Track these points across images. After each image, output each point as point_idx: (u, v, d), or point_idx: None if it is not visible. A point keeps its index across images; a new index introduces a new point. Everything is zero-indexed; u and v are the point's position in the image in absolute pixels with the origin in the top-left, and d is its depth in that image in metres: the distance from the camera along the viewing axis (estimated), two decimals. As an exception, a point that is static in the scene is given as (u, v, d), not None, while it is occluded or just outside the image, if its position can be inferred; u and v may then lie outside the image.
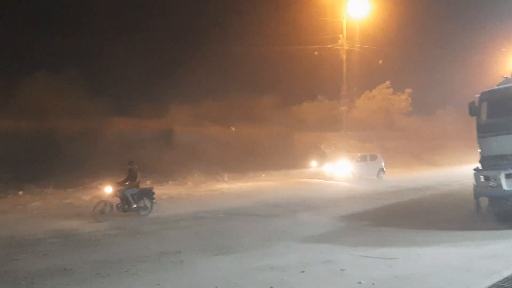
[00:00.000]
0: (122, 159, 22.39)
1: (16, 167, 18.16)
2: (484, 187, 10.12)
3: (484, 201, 10.59)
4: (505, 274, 6.53)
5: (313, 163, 27.07)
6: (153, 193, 13.17)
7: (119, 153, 22.81)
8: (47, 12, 25.35)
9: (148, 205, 12.98)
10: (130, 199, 12.61)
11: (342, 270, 7.07)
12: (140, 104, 27.52)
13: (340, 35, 31.54)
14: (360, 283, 6.40)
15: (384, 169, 25.34)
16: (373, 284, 6.34)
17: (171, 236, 10.42)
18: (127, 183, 12.88)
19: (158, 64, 29.59)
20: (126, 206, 12.59)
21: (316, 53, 31.49)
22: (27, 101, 21.15)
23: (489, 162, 10.18)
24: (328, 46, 31.43)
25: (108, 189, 12.93)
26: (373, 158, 25.54)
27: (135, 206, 12.65)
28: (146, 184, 18.20)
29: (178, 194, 18.71)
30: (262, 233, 10.44)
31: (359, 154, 25.60)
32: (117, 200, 12.70)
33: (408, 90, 39.12)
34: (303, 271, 7.05)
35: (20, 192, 17.51)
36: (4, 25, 22.92)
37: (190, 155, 24.43)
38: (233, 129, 29.68)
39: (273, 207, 14.51)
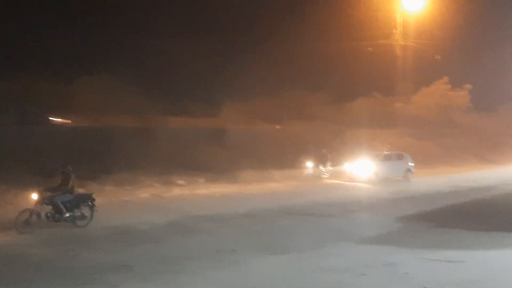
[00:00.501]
0: (177, 157, 23.01)
1: (76, 165, 18.77)
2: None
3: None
4: None
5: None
6: (93, 200, 11.34)
7: (174, 151, 23.30)
8: (106, 13, 26.19)
9: (87, 213, 11.06)
10: (61, 206, 10.67)
11: (405, 273, 6.75)
12: (194, 102, 28.00)
13: (395, 30, 30.63)
14: (425, 287, 6.07)
15: (412, 169, 23.45)
16: (439, 289, 6.01)
17: (225, 234, 10.40)
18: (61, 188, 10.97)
19: (211, 62, 29.88)
20: (57, 215, 10.66)
21: (370, 48, 30.75)
22: (86, 100, 21.95)
23: None
24: (382, 41, 30.63)
25: (34, 196, 10.78)
26: (400, 157, 23.68)
27: (68, 215, 10.72)
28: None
29: (230, 193, 18.78)
30: (319, 233, 10.23)
31: (384, 153, 24.37)
32: (47, 209, 10.77)
33: (468, 86, 37.40)
34: (363, 274, 6.79)
35: (81, 190, 18.08)
36: (65, 27, 23.87)
37: (242, 153, 24.48)
38: (278, 127, 29.53)
39: (328, 206, 14.21)
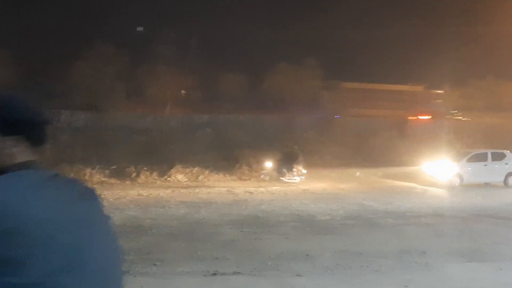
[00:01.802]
0: (354, 147, 22.63)
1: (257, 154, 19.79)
2: None
3: None
4: None
5: None
6: None
7: (352, 141, 22.95)
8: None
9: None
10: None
11: None
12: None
13: None
14: None
15: None
16: None
17: (410, 232, 9.64)
18: None
19: (391, 51, 28.47)
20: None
21: None
22: (268, 92, 22.90)
23: None
24: None
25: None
26: (498, 156, 18.76)
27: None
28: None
29: (413, 187, 17.69)
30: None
31: (473, 151, 19.46)
32: None
33: None
34: None
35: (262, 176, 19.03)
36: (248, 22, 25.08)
37: (423, 144, 22.97)
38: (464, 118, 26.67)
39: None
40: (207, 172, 19.06)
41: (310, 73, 22.77)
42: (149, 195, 14.82)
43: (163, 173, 18.69)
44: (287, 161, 17.64)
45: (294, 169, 17.31)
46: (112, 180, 17.73)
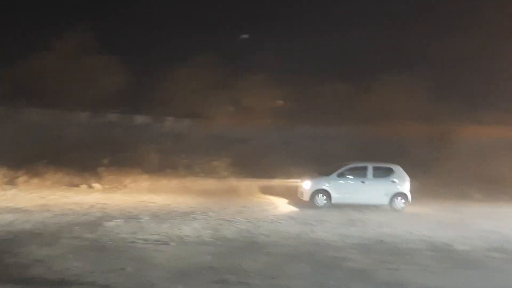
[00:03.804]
0: (470, 168, 20.35)
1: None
2: None
3: None
4: None
5: None
6: None
7: (467, 162, 20.72)
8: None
9: None
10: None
11: None
12: (485, 108, 24.33)
13: None
14: None
15: (406, 193, 14.91)
16: None
17: None
18: None
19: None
20: None
21: None
22: (374, 104, 21.41)
23: None
24: None
25: None
26: (383, 172, 15.07)
27: None
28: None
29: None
30: None
31: (349, 164, 15.30)
32: None
33: None
34: None
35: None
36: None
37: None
38: None
39: None
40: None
41: (419, 84, 20.93)
42: (252, 207, 14.11)
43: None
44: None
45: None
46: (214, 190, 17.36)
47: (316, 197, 14.85)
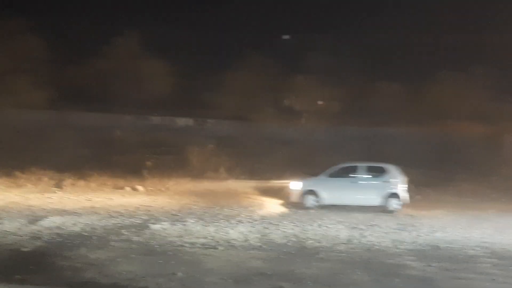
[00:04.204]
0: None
1: (416, 171, 17.77)
2: None
3: None
4: None
5: None
6: None
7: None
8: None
9: None
10: None
11: None
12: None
13: None
14: None
15: (402, 194, 13.86)
16: None
17: None
18: None
19: None
20: None
21: None
22: (427, 103, 20.68)
23: None
24: None
25: None
26: (376, 172, 14.32)
27: None
28: None
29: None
30: None
31: (341, 164, 14.63)
32: None
33: None
34: None
35: (418, 197, 16.90)
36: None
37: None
38: None
39: None
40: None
41: (477, 83, 19.99)
42: (297, 212, 13.76)
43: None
44: None
45: None
46: (256, 193, 17.09)
47: (306, 198, 14.19)
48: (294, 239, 9.59)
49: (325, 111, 20.88)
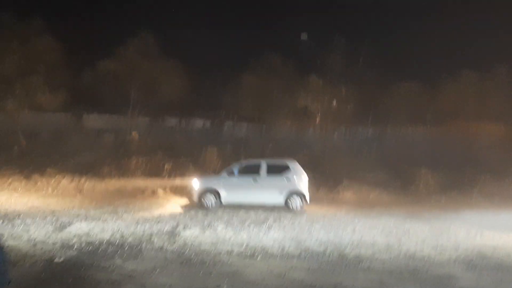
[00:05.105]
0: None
1: (436, 172, 17.44)
2: None
3: None
4: None
5: None
6: None
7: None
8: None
9: None
10: None
11: None
12: None
13: None
14: None
15: (304, 192, 13.76)
16: None
17: None
18: None
19: None
20: None
21: None
22: (447, 104, 20.28)
23: None
24: None
25: None
26: (277, 169, 13.91)
27: None
28: None
29: None
30: None
31: (243, 162, 14.80)
32: None
33: None
34: None
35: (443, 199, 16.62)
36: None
37: None
38: None
39: None
40: (377, 191, 17.18)
41: (498, 83, 19.55)
42: (325, 215, 13.44)
43: (330, 189, 17.27)
44: None
45: None
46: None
47: (205, 197, 13.76)
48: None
49: (342, 112, 20.53)
